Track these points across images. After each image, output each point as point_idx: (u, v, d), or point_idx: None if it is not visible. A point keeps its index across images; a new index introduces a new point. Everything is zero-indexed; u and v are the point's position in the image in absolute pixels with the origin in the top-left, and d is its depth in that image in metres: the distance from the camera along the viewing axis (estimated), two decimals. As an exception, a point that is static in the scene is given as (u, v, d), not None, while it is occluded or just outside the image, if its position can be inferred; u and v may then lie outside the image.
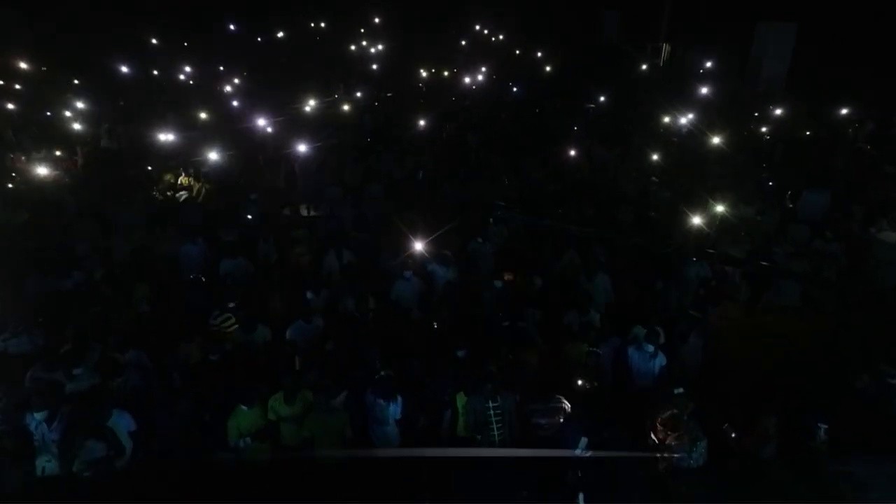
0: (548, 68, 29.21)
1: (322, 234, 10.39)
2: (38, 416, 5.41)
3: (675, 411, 5.93)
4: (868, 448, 5.76)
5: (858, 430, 5.99)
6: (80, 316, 7.39)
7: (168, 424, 5.67)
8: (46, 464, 5.51)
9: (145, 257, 9.20)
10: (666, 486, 5.49)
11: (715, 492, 5.29)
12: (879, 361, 6.40)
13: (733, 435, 6.04)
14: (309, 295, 7.95)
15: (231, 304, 7.45)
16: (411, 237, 8.88)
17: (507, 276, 8.28)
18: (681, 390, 6.05)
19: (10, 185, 13.47)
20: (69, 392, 6.04)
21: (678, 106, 20.35)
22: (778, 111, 18.70)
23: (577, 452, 5.66)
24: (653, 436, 6.06)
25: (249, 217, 10.83)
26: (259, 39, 34.39)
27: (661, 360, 6.79)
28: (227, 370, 6.38)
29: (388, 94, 23.98)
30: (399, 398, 5.94)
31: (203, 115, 19.05)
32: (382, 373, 5.98)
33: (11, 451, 5.32)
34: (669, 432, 5.88)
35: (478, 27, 37.13)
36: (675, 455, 5.68)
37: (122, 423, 5.64)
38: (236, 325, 7.25)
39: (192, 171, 14.51)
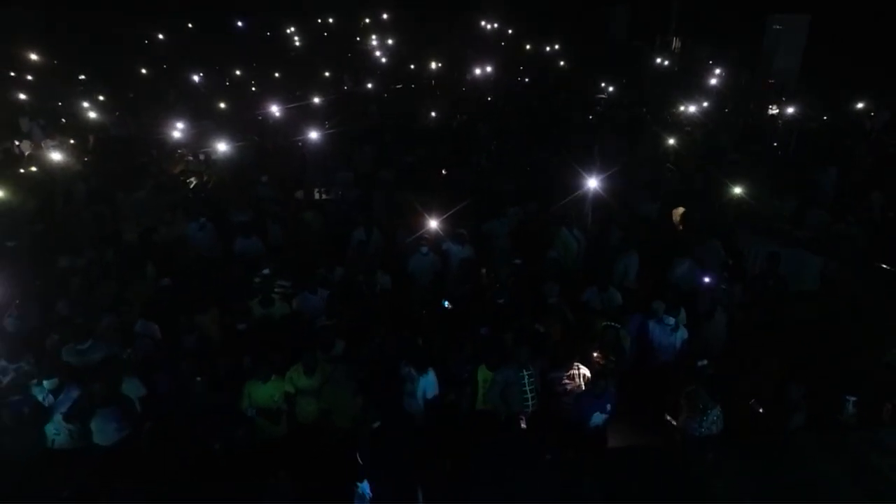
0: (558, 61, 29.15)
1: (332, 218, 10.38)
2: (47, 384, 5.34)
3: (695, 385, 5.80)
4: (898, 421, 5.61)
5: (888, 403, 5.84)
6: (91, 291, 7.37)
7: (175, 390, 5.57)
8: (56, 437, 5.43)
9: (152, 239, 9.20)
10: (685, 455, 5.35)
11: (740, 462, 5.14)
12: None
13: (760, 410, 5.91)
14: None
15: (266, 271, 7.44)
16: (426, 217, 8.81)
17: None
18: (704, 362, 5.93)
19: (21, 171, 13.45)
20: (80, 365, 5.96)
21: (689, 96, 20.27)
22: (790, 108, 18.46)
23: (591, 425, 5.56)
24: (668, 417, 5.97)
25: (260, 198, 10.78)
26: (268, 34, 34.53)
27: (682, 333, 6.65)
28: (247, 341, 6.32)
29: (398, 86, 23.99)
30: (431, 372, 5.80)
31: (213, 106, 19.12)
32: (420, 341, 5.86)
33: (22, 419, 5.24)
34: (686, 405, 5.76)
35: (486, 22, 37.10)
36: (687, 424, 5.58)
37: (132, 390, 5.58)
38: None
39: (202, 157, 14.53)
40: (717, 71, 24.22)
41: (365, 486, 4.58)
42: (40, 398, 5.39)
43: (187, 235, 9.30)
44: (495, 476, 4.89)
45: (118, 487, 4.83)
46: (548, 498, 4.73)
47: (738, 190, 10.87)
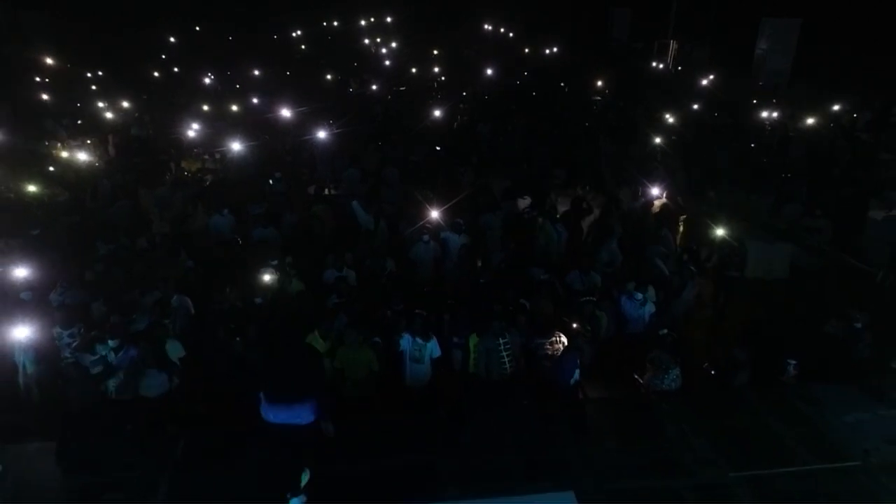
0: (558, 63, 30.03)
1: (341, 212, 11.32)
2: (112, 343, 6.31)
3: (658, 351, 6.72)
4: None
5: (826, 367, 6.76)
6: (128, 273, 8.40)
7: (217, 349, 6.54)
8: (114, 388, 6.36)
9: (182, 229, 10.23)
10: (650, 405, 6.29)
11: (692, 410, 6.08)
12: (847, 308, 7.12)
13: (713, 372, 6.86)
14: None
15: (274, 262, 8.36)
16: (427, 209, 9.76)
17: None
18: (665, 331, 6.85)
19: (51, 168, 14.43)
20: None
21: (683, 99, 21.18)
22: (775, 112, 19.35)
23: (571, 382, 6.47)
24: (636, 376, 6.90)
25: (274, 193, 11.76)
26: (275, 37, 35.48)
27: (650, 307, 7.60)
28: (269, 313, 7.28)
29: (401, 88, 24.91)
30: (434, 338, 6.71)
31: (224, 107, 20.11)
32: (418, 312, 6.79)
33: (87, 374, 6.20)
34: (650, 366, 6.69)
35: (489, 25, 37.97)
36: (651, 382, 6.52)
37: (174, 350, 6.56)
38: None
39: (217, 156, 15.52)
40: (711, 76, 25.03)
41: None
42: (103, 354, 6.36)
43: (211, 225, 10.27)
44: (482, 418, 5.83)
45: (166, 427, 5.81)
46: (526, 433, 5.67)
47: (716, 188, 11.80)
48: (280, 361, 5.20)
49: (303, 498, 5.02)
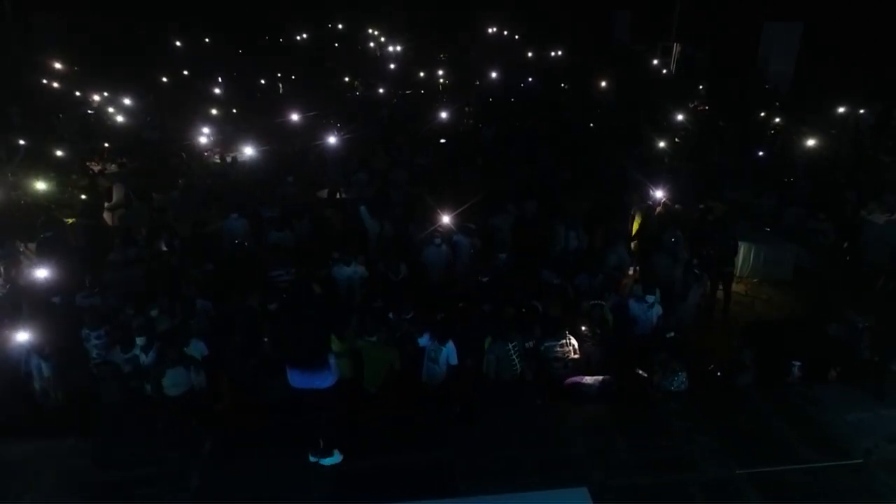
0: (560, 66, 30.26)
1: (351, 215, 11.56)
2: (140, 341, 6.55)
3: (664, 353, 6.93)
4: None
5: (829, 368, 6.98)
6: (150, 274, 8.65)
7: (245, 348, 6.78)
8: (146, 387, 6.58)
9: (202, 232, 10.48)
10: (657, 404, 6.52)
11: (697, 409, 6.31)
12: (849, 310, 7.34)
13: (719, 374, 7.08)
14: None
15: (293, 270, 8.64)
16: (438, 213, 9.98)
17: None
18: (672, 334, 7.07)
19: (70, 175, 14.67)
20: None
21: (686, 101, 21.41)
22: (777, 118, 19.59)
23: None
24: (640, 371, 7.07)
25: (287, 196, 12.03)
26: (280, 40, 35.74)
27: (657, 310, 7.81)
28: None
29: (407, 91, 25.16)
30: (451, 342, 6.86)
31: (234, 111, 20.39)
32: (440, 316, 7.00)
33: (118, 373, 6.44)
34: (658, 369, 6.90)
35: (491, 28, 38.23)
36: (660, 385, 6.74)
37: (197, 349, 6.78)
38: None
39: (229, 160, 15.77)
40: (714, 78, 25.25)
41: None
42: (135, 353, 6.60)
43: (226, 228, 10.51)
44: (494, 417, 6.07)
45: (193, 425, 6.05)
46: (538, 431, 5.91)
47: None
48: (299, 333, 5.58)
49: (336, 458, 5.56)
